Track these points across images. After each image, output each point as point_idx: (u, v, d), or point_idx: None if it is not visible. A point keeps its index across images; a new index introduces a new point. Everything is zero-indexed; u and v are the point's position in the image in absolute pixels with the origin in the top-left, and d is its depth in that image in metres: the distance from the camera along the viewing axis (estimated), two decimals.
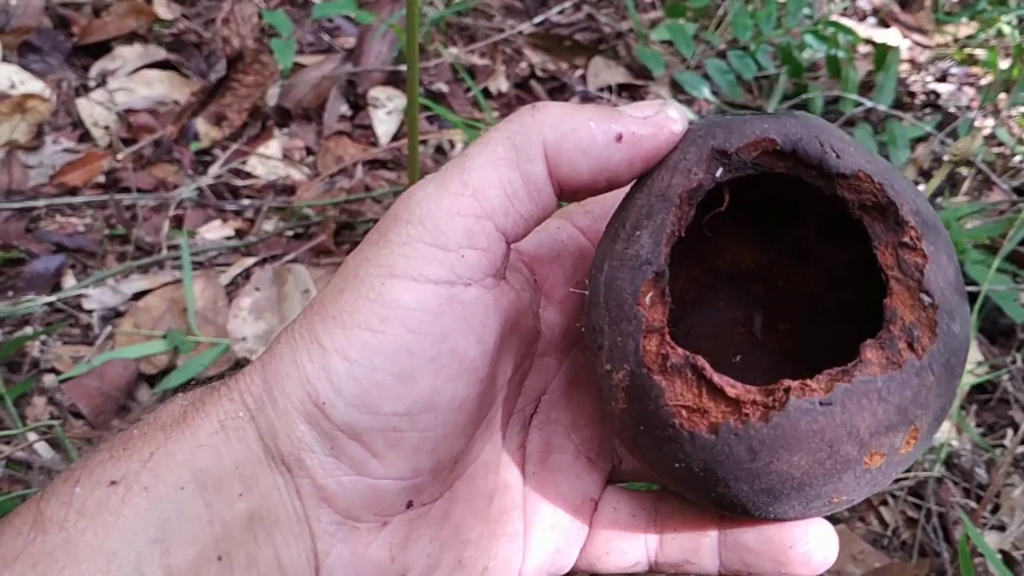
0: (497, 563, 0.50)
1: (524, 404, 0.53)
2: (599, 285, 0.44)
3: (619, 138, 0.44)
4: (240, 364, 1.11)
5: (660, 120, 0.45)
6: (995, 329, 1.24)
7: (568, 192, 0.46)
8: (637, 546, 0.50)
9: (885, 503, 1.05)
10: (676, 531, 0.50)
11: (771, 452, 0.39)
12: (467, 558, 0.49)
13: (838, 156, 0.43)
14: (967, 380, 1.14)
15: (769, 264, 0.58)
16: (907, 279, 0.42)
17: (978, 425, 1.14)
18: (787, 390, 0.39)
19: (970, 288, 1.20)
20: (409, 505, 0.46)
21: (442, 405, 0.44)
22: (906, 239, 0.42)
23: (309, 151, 1.49)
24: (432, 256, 0.43)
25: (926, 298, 0.41)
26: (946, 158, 0.96)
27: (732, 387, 0.40)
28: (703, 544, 0.49)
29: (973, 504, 1.05)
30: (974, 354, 1.19)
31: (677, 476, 0.43)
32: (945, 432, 1.10)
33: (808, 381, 0.39)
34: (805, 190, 0.46)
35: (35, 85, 1.47)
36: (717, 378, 0.40)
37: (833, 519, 1.02)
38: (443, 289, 0.43)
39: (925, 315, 0.41)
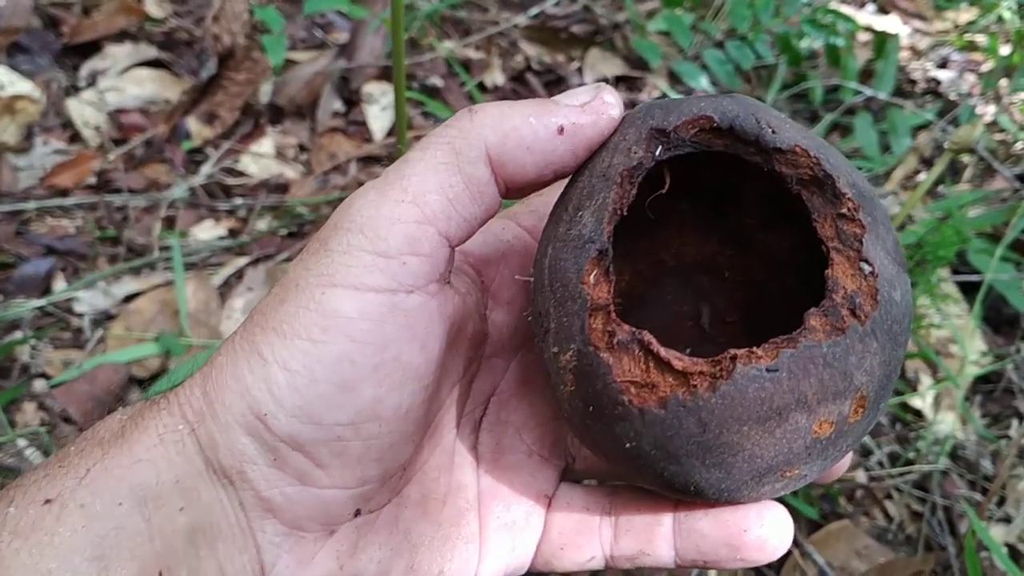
0: (452, 565, 0.50)
1: (473, 406, 0.53)
2: (543, 269, 0.45)
3: (560, 130, 0.44)
4: None
5: (598, 106, 0.45)
6: (999, 319, 1.23)
7: (515, 190, 0.46)
8: (592, 540, 0.51)
9: (889, 497, 1.04)
10: (631, 522, 0.50)
11: (721, 423, 0.40)
12: (419, 562, 0.49)
13: (774, 132, 0.43)
14: (971, 371, 1.12)
15: (714, 255, 0.59)
16: (847, 249, 0.42)
17: (983, 416, 1.13)
18: (733, 358, 0.40)
19: (973, 277, 1.19)
20: (357, 513, 0.46)
21: (386, 414, 0.44)
22: (844, 210, 0.43)
23: (302, 148, 1.47)
24: (373, 264, 0.43)
25: (866, 267, 0.42)
26: (947, 146, 0.94)
27: (679, 360, 0.40)
28: (658, 534, 0.49)
29: (979, 496, 1.03)
30: (978, 344, 1.17)
31: (629, 457, 0.43)
32: (949, 424, 1.09)
33: (754, 349, 0.40)
34: (744, 174, 0.47)
35: (24, 86, 1.45)
36: (664, 352, 0.41)
37: (837, 514, 1.00)
38: (385, 297, 0.43)
39: (866, 283, 0.41)
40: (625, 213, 0.44)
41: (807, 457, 0.41)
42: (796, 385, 0.39)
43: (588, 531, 0.51)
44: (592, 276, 0.42)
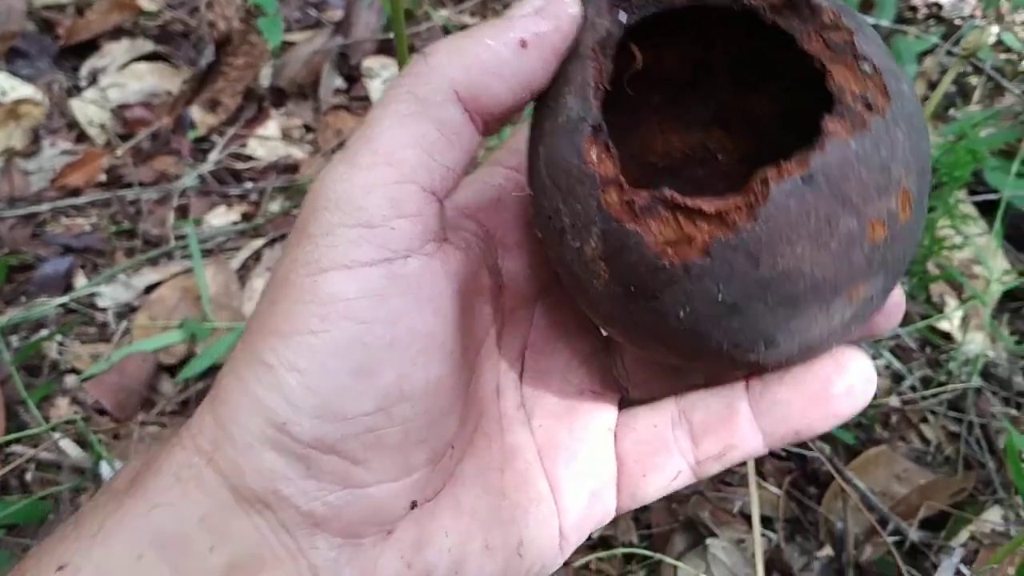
0: (531, 531, 0.46)
1: (509, 364, 0.50)
2: (540, 170, 0.42)
3: (523, 44, 0.41)
4: None
5: (555, 9, 0.41)
6: (1020, 235, 1.22)
7: (496, 120, 0.42)
8: (671, 456, 0.47)
9: (925, 420, 1.03)
10: (706, 422, 0.46)
11: (772, 248, 0.37)
12: (493, 539, 0.45)
13: None
14: (996, 288, 1.11)
15: (701, 143, 0.56)
16: (841, 56, 0.40)
17: (1012, 333, 1.12)
18: (764, 180, 0.37)
19: (991, 196, 1.18)
20: (413, 505, 0.42)
21: (415, 391, 0.40)
22: (825, 20, 0.41)
23: (308, 128, 1.47)
24: (359, 237, 0.38)
25: (866, 65, 0.39)
26: (958, 53, 0.93)
27: (710, 203, 0.38)
28: (738, 422, 0.45)
29: (1014, 412, 1.03)
30: (1001, 262, 1.17)
31: (686, 331, 0.40)
32: (979, 343, 1.08)
33: (782, 163, 0.37)
34: (712, 43, 0.47)
35: (26, 90, 1.46)
36: (691, 201, 0.38)
37: (874, 440, 1.00)
38: (381, 269, 0.39)
39: (871, 81, 0.39)
40: (607, 87, 0.41)
41: (868, 269, 0.39)
42: (837, 188, 0.36)
43: (665, 448, 0.47)
44: (594, 155, 0.39)
